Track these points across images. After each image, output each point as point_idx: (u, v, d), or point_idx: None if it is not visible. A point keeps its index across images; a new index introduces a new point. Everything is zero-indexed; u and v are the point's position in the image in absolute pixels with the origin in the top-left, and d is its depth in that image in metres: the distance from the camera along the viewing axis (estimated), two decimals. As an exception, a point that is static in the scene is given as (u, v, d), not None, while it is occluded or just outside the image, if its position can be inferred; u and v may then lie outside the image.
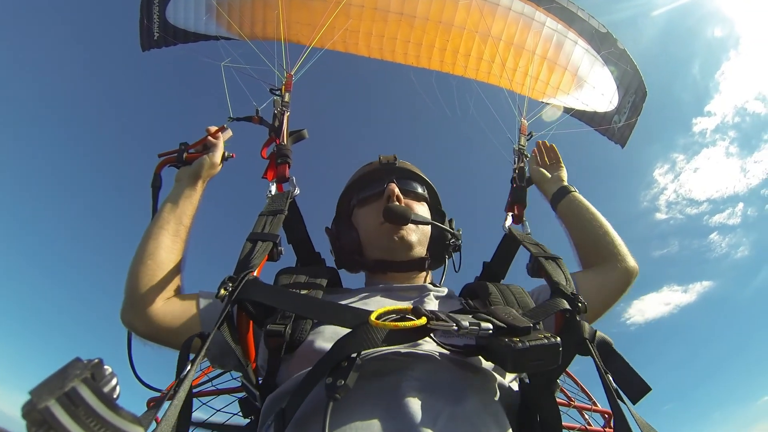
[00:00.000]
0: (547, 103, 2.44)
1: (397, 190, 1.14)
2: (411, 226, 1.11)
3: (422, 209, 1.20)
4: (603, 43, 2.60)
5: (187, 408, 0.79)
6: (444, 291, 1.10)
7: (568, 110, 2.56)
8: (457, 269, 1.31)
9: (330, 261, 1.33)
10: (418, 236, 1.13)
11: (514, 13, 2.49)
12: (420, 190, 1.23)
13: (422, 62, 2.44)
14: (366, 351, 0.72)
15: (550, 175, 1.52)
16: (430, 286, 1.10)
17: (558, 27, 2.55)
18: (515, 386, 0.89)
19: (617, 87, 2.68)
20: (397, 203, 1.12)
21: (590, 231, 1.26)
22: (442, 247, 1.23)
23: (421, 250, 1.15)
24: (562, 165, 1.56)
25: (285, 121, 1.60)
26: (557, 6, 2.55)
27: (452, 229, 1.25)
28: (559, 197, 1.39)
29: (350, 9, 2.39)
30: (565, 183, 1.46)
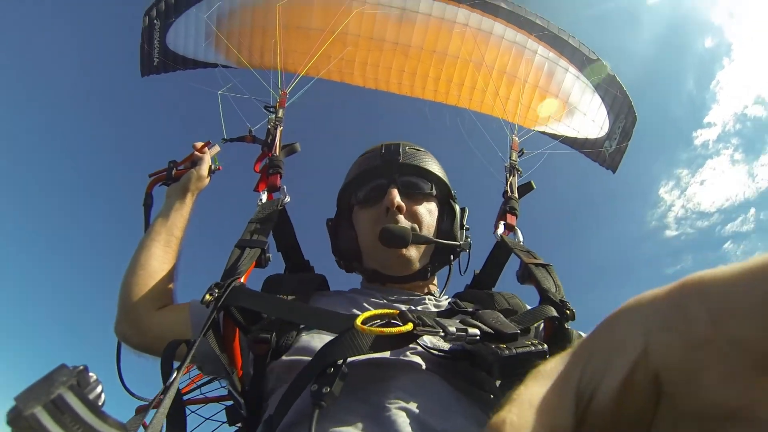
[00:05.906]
0: (540, 132, 2.50)
1: (397, 200, 1.02)
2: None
3: (428, 209, 1.09)
4: (593, 70, 2.66)
5: (179, 415, 0.78)
6: (445, 301, 1.04)
7: (558, 137, 2.62)
8: (462, 272, 1.23)
9: (319, 268, 1.26)
10: (418, 251, 1.05)
11: (507, 42, 2.54)
12: (427, 188, 1.10)
13: (416, 92, 2.49)
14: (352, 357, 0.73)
15: None
16: (429, 297, 1.05)
17: (549, 55, 2.61)
18: (503, 394, 0.88)
19: (608, 113, 2.74)
20: (397, 219, 1.02)
21: None
22: (448, 251, 1.13)
23: (422, 261, 1.06)
24: None
25: (278, 135, 1.62)
26: (549, 34, 2.61)
27: (464, 221, 1.18)
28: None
29: (347, 38, 2.45)
30: None
